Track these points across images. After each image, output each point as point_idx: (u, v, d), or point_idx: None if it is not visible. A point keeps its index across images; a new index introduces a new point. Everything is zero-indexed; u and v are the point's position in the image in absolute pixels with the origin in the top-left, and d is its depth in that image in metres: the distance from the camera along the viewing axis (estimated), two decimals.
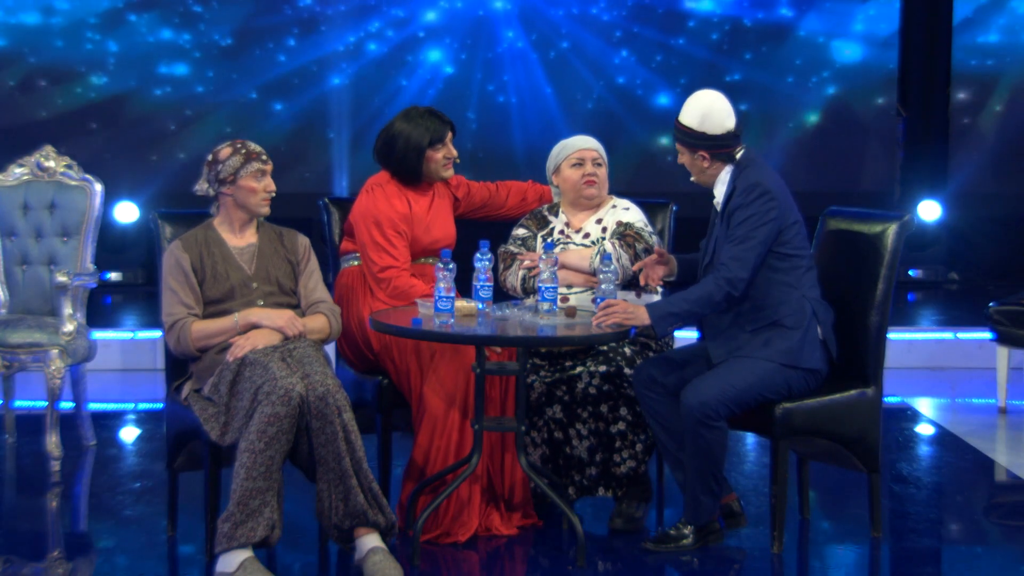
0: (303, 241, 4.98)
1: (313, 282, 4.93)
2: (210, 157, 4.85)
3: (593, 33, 11.53)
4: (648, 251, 5.19)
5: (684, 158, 4.90)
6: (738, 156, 4.84)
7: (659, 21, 11.52)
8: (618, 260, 5.13)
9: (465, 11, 11.50)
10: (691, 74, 11.44)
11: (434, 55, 11.49)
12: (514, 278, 5.27)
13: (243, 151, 4.83)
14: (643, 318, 4.69)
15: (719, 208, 4.87)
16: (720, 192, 4.87)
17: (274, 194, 4.89)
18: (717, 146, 4.82)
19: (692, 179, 4.94)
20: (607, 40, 11.53)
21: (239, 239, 4.90)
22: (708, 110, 4.81)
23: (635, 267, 5.05)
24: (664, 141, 11.41)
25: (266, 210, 4.89)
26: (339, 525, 4.56)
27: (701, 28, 11.56)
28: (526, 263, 5.24)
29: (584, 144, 5.34)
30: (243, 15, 11.34)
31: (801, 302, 4.79)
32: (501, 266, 5.32)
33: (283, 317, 4.75)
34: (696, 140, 4.82)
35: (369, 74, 11.48)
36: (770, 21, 11.64)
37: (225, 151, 4.84)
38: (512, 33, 11.53)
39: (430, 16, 11.50)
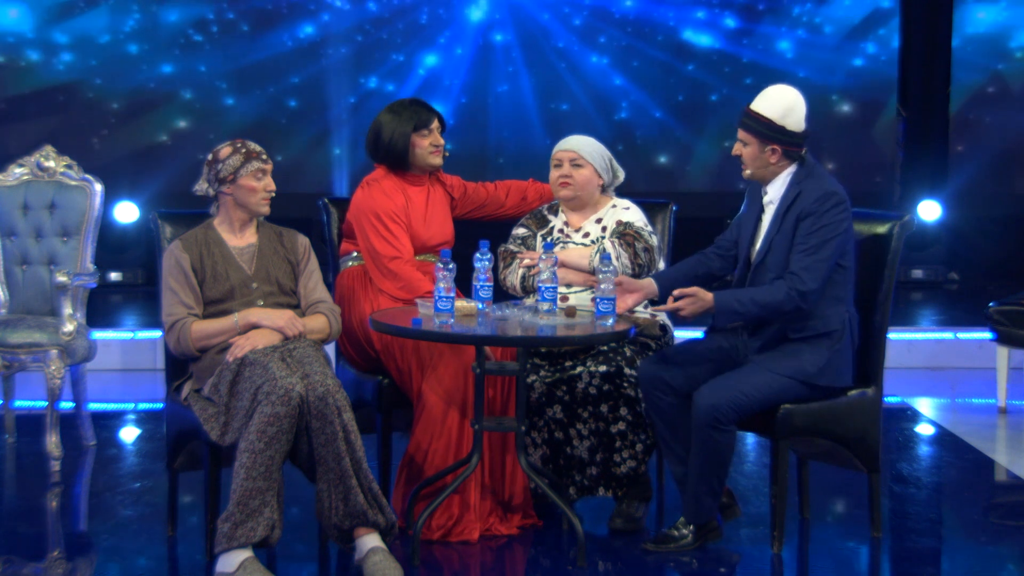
0: (303, 241, 4.98)
1: (313, 282, 4.93)
2: (210, 156, 4.85)
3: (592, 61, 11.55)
4: (648, 250, 5.19)
5: (749, 149, 4.77)
6: (804, 155, 4.80)
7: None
8: (617, 259, 5.13)
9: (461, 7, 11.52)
10: (691, 68, 11.45)
11: (438, 91, 11.53)
12: (514, 277, 5.27)
13: (243, 150, 4.83)
14: (708, 305, 4.63)
15: (774, 207, 4.80)
16: (775, 192, 4.81)
17: (274, 193, 4.89)
18: (792, 143, 4.74)
19: (746, 173, 4.82)
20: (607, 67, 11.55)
21: (239, 239, 4.90)
22: (793, 105, 4.73)
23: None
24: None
25: (266, 209, 4.89)
26: (339, 525, 4.56)
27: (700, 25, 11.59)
28: (526, 261, 5.25)
29: (564, 145, 5.32)
30: (246, 17, 11.35)
31: (844, 317, 4.76)
32: (501, 265, 5.32)
33: (283, 317, 4.74)
34: (773, 133, 4.73)
35: (370, 73, 11.49)
36: (771, 21, 11.64)
37: (225, 150, 4.84)
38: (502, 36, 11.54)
39: (430, 60, 11.51)
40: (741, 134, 4.79)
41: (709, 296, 4.64)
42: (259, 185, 4.83)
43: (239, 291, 4.80)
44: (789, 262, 4.69)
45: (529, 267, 5.23)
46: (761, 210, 4.85)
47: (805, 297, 4.64)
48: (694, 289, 4.67)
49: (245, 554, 4.43)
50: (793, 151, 4.76)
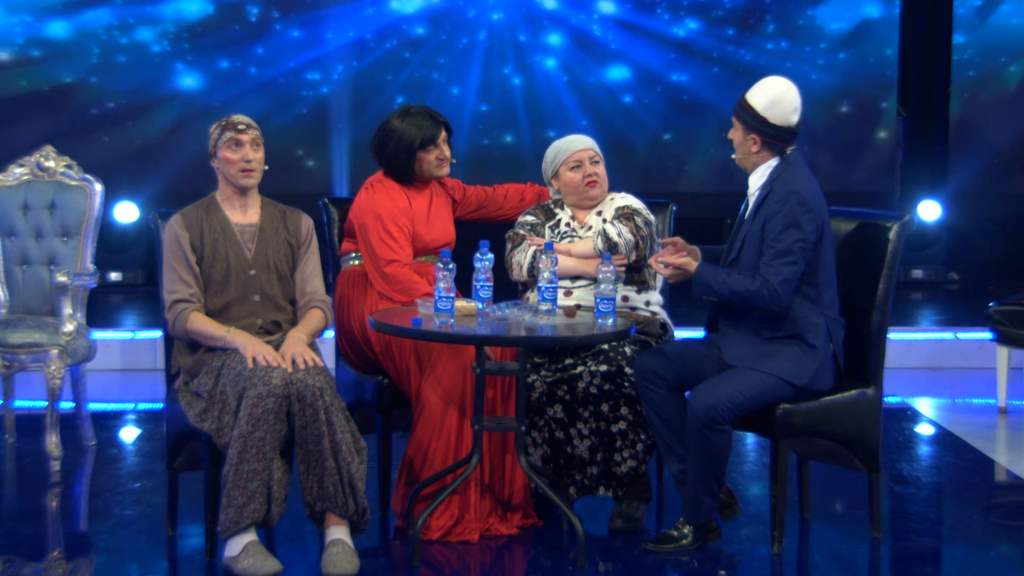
0: (306, 223, 4.96)
1: (311, 268, 4.92)
2: None
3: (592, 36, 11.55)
4: (648, 223, 5.22)
5: (736, 135, 4.83)
6: (788, 152, 4.80)
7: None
8: (619, 236, 5.14)
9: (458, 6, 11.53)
10: (690, 69, 11.46)
11: (437, 59, 11.52)
12: (522, 256, 5.25)
13: (223, 122, 4.84)
14: (689, 273, 4.73)
15: (751, 200, 4.82)
16: (755, 183, 4.82)
17: (253, 165, 4.82)
18: (773, 136, 4.76)
19: (733, 157, 4.87)
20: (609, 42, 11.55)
21: (241, 215, 4.89)
22: (779, 98, 4.75)
23: (654, 260, 4.93)
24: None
25: (247, 181, 4.84)
26: (312, 505, 4.59)
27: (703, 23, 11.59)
28: (537, 241, 5.24)
29: (579, 145, 5.32)
30: (244, 15, 11.35)
31: (820, 320, 4.76)
32: (509, 246, 5.30)
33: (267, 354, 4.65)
34: (755, 123, 4.75)
35: (371, 72, 11.49)
36: (772, 20, 11.64)
37: (214, 124, 4.87)
38: (500, 14, 11.53)
39: (432, 41, 11.51)
40: (733, 118, 4.84)
41: (694, 267, 4.73)
42: (235, 156, 4.81)
43: (236, 277, 4.80)
44: (760, 264, 4.71)
45: (539, 249, 5.21)
46: (746, 203, 4.87)
47: (778, 301, 4.66)
48: (687, 260, 4.74)
49: (248, 537, 4.49)
50: (774, 144, 4.77)
